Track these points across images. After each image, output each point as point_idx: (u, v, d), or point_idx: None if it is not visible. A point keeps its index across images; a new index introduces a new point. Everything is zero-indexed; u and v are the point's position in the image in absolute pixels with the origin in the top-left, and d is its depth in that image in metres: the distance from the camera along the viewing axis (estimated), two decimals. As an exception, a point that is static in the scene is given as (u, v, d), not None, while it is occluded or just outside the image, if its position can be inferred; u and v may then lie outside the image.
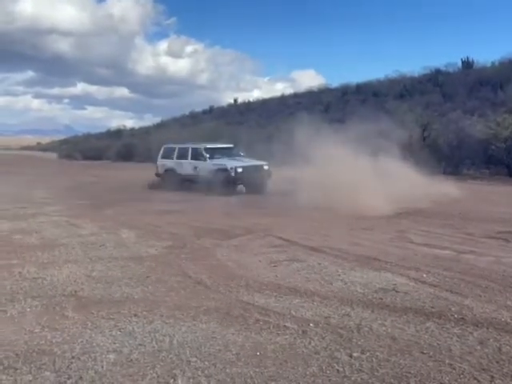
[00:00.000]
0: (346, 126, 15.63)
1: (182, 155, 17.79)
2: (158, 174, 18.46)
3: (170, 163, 18.03)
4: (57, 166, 37.95)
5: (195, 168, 17.20)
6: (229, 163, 16.58)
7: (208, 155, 17.20)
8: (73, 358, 3.78)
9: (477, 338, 4.17)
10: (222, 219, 10.69)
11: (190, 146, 18.08)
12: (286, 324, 4.48)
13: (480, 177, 22.82)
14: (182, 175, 17.47)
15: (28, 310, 4.87)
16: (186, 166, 17.47)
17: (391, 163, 14.29)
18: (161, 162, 18.41)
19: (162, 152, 18.60)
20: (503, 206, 13.10)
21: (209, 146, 18.02)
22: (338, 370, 3.59)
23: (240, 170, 16.39)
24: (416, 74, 49.17)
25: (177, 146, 18.52)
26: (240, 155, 17.76)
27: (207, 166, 16.96)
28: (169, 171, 17.93)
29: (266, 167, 16.85)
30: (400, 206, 11.58)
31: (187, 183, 17.04)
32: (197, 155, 17.41)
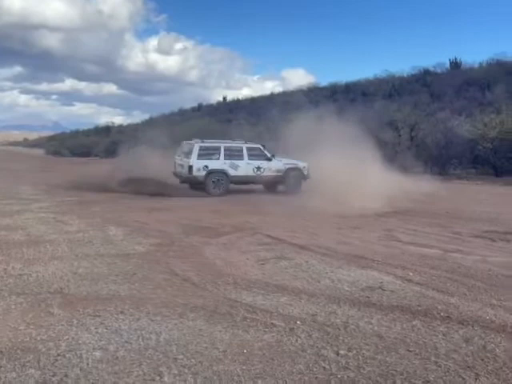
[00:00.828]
0: (334, 125, 15.66)
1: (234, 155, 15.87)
2: (187, 179, 15.80)
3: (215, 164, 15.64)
4: (44, 163, 37.63)
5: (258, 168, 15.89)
6: (299, 162, 16.25)
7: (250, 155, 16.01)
8: (58, 355, 3.75)
9: (462, 336, 4.20)
10: (210, 217, 10.67)
11: (243, 144, 16.29)
12: (273, 322, 4.47)
13: (466, 176, 23.01)
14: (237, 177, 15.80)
15: (13, 307, 4.81)
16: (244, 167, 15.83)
17: (379, 163, 14.37)
18: (197, 162, 15.41)
19: (197, 151, 15.56)
20: (489, 205, 13.21)
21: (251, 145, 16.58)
22: (324, 368, 3.59)
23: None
24: (405, 74, 49.61)
25: (222, 145, 16.13)
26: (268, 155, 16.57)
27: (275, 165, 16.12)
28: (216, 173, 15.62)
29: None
30: (387, 205, 11.65)
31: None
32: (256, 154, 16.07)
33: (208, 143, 16.15)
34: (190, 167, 15.33)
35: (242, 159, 15.83)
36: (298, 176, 16.12)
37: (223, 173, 15.61)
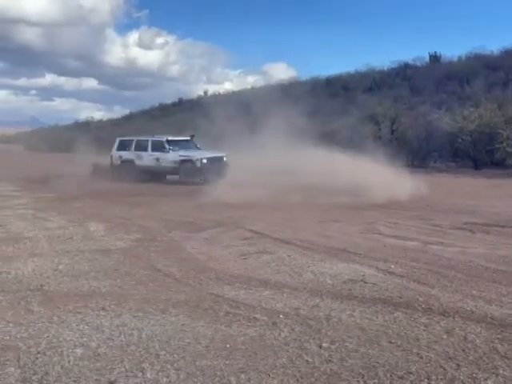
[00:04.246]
0: (315, 119, 15.72)
1: (142, 147, 18.30)
2: (112, 165, 18.66)
3: (127, 155, 18.42)
4: (23, 159, 37.08)
5: (157, 159, 17.81)
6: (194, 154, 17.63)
7: (169, 147, 17.94)
8: (38, 353, 3.70)
9: (443, 327, 4.23)
10: (192, 212, 10.63)
11: (150, 138, 18.54)
12: (256, 316, 4.47)
13: (446, 169, 23.26)
14: (141, 166, 17.98)
15: (-8, 304, 4.74)
16: (147, 158, 18.00)
17: (359, 156, 14.42)
18: (116, 153, 18.70)
19: (116, 144, 18.92)
20: (469, 197, 13.37)
21: (170, 138, 18.62)
22: (307, 361, 3.60)
23: (205, 160, 17.26)
24: (385, 68, 49.75)
25: (135, 139, 18.94)
26: (197, 147, 18.58)
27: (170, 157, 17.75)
28: (126, 162, 18.32)
29: (225, 158, 17.58)
30: (368, 198, 11.71)
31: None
32: (158, 147, 17.99)
33: (126, 138, 19.42)
34: (111, 157, 18.71)
35: (146, 151, 18.17)
36: (190, 167, 17.44)
37: (131, 162, 18.25)
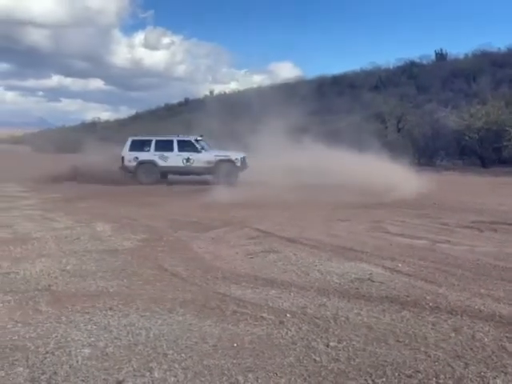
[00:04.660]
0: (321, 117, 15.72)
1: (165, 147, 17.32)
2: (125, 167, 17.36)
3: (146, 155, 17.32)
4: (30, 160, 37.26)
5: (188, 160, 17.05)
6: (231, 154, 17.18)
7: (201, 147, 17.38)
8: (47, 353, 3.72)
9: (451, 326, 4.22)
10: (198, 212, 10.63)
11: (175, 138, 17.67)
12: (263, 315, 4.47)
13: (453, 167, 23.16)
14: (165, 167, 17.22)
15: (0, 305, 4.76)
16: (174, 158, 17.14)
17: (366, 154, 14.41)
18: (130, 154, 17.32)
19: (129, 144, 17.60)
20: (477, 196, 13.31)
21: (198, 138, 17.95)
22: (315, 360, 3.59)
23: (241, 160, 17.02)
24: (391, 66, 49.64)
25: (153, 138, 17.78)
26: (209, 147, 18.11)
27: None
28: (145, 164, 17.25)
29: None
30: (375, 197, 11.68)
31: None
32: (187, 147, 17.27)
33: (141, 138, 18.17)
34: (122, 158, 17.26)
35: (172, 151, 17.22)
36: (229, 167, 16.90)
37: (152, 163, 17.17)
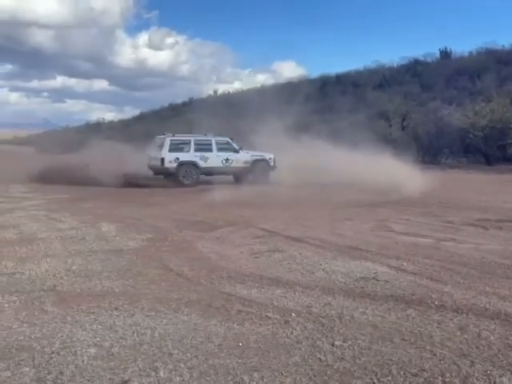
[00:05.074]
0: (325, 116, 15.74)
1: (204, 148, 17.00)
2: (165, 169, 16.63)
3: (187, 156, 16.79)
4: (34, 161, 37.36)
5: (227, 160, 16.94)
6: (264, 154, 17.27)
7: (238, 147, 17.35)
8: (52, 353, 3.72)
9: (457, 324, 4.21)
10: (203, 211, 10.64)
11: (213, 138, 17.36)
12: (268, 314, 4.47)
13: (458, 165, 23.11)
14: (205, 168, 16.85)
15: (6, 305, 4.77)
16: (214, 159, 16.88)
17: (370, 153, 14.39)
18: (170, 155, 16.55)
19: (168, 145, 16.71)
20: (481, 193, 13.28)
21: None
22: (320, 359, 3.59)
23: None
24: (395, 65, 49.57)
25: (192, 138, 17.26)
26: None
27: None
28: (186, 165, 16.73)
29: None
30: (380, 195, 11.67)
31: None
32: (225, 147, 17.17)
33: (179, 137, 17.41)
34: (163, 159, 16.47)
35: (212, 151, 16.94)
36: (265, 167, 17.06)
37: (194, 164, 16.77)
